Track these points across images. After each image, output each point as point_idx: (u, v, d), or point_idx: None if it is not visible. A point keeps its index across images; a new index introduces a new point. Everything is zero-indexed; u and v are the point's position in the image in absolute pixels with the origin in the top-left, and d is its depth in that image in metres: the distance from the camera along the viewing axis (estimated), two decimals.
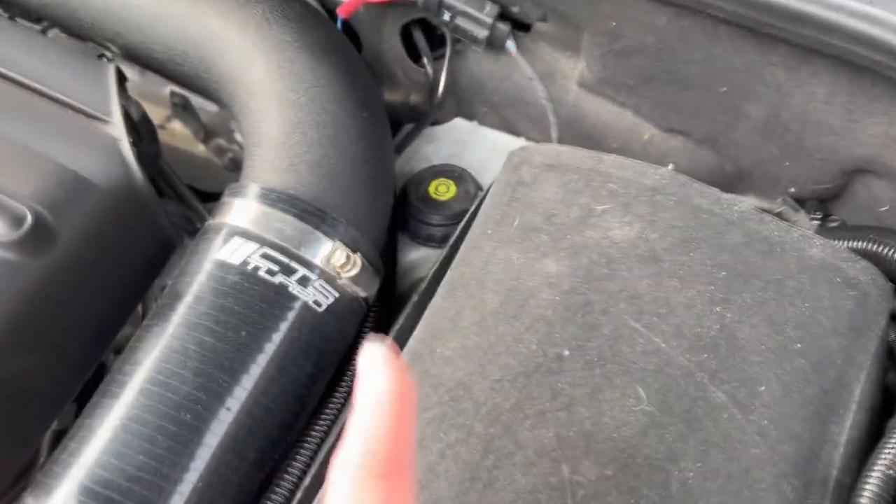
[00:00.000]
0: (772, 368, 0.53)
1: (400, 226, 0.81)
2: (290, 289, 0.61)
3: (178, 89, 0.96)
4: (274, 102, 0.69)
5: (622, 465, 0.50)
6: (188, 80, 0.78)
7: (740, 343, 0.54)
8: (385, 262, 0.75)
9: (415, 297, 0.65)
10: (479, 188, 0.81)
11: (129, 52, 0.81)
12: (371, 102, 0.72)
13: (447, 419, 0.52)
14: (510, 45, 0.84)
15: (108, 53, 0.84)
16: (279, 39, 0.71)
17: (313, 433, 0.63)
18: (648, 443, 0.50)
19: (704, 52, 0.73)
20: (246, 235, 0.62)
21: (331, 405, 0.65)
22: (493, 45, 0.84)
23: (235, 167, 0.99)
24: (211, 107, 1.02)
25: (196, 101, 1.02)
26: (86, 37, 0.85)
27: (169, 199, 0.82)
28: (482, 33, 0.82)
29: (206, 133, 1.02)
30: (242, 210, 0.64)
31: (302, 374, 0.62)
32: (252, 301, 0.60)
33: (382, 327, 0.72)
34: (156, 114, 1.05)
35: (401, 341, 0.61)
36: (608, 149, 0.88)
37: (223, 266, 0.62)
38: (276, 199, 0.64)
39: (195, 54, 0.75)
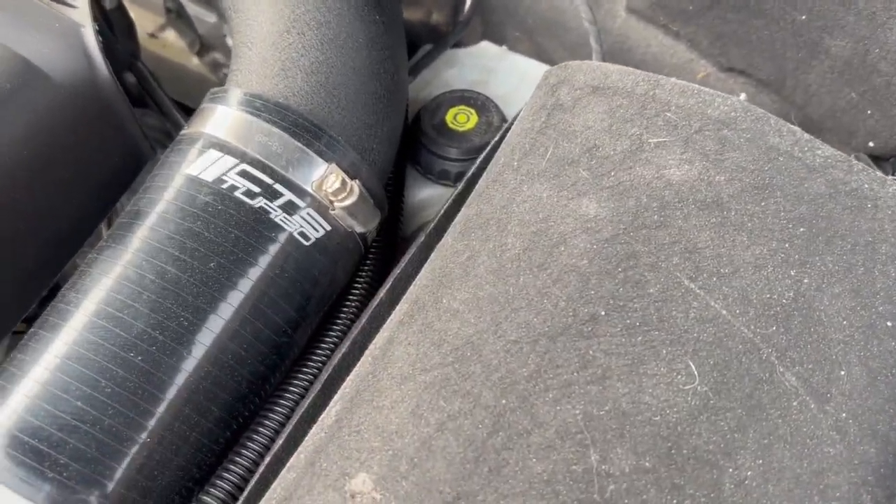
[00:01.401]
0: (855, 350, 0.43)
1: (410, 158, 0.70)
2: (273, 215, 0.51)
3: None
4: None
5: (664, 455, 0.40)
6: None
7: (818, 316, 0.43)
8: (390, 199, 0.64)
9: (421, 238, 0.55)
10: (504, 120, 0.70)
11: None
12: (386, 4, 0.61)
13: (450, 384, 0.42)
14: None
15: None
16: None
17: (291, 389, 0.54)
18: (698, 431, 0.40)
19: None
20: (223, 148, 0.52)
21: (314, 357, 0.55)
22: None
23: None
24: (208, 17, 0.91)
25: (192, 9, 0.91)
26: None
27: (148, 110, 0.71)
28: None
29: (202, 45, 0.92)
30: (222, 118, 0.54)
31: (282, 318, 0.52)
32: (226, 227, 0.50)
33: (383, 273, 0.62)
34: (148, 21, 0.94)
35: (401, 289, 0.51)
36: None
37: (194, 182, 0.51)
38: (262, 107, 0.53)
39: None
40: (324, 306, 0.56)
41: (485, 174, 0.53)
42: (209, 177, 0.51)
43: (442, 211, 0.56)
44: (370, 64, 0.57)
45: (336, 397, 0.46)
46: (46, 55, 0.53)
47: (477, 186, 0.52)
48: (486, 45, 0.81)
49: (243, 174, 0.51)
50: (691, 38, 0.73)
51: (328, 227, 0.53)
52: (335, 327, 0.57)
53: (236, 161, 0.52)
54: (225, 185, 0.51)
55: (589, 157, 0.49)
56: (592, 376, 0.42)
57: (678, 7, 0.70)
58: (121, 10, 0.64)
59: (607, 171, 0.48)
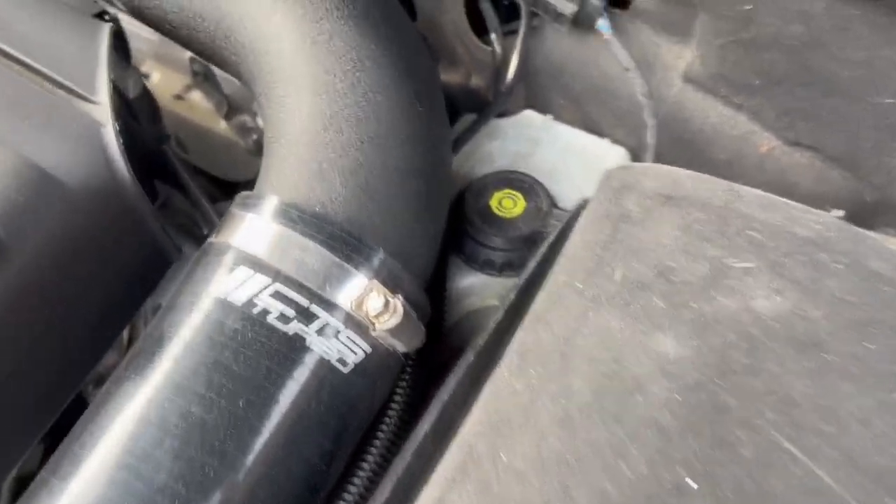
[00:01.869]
0: None
1: (452, 244, 0.65)
2: (308, 341, 0.46)
3: None
4: (304, 87, 0.53)
5: None
6: (204, 49, 0.62)
7: None
8: (430, 287, 0.59)
9: (469, 356, 0.50)
10: (553, 204, 0.65)
11: (134, 9, 0.66)
12: (428, 93, 0.56)
13: None
14: (603, 24, 0.67)
15: (111, 10, 0.69)
16: (316, 4, 0.55)
17: None
18: None
19: (868, 52, 0.55)
20: (255, 265, 0.47)
21: (350, 487, 0.50)
22: (581, 22, 0.67)
23: (260, 150, 0.84)
24: (236, 79, 0.87)
25: (220, 70, 0.87)
26: None
27: (174, 194, 0.67)
28: (569, 7, 0.65)
29: (230, 108, 0.87)
30: (254, 230, 0.49)
31: (317, 453, 0.47)
32: (257, 357, 0.45)
33: (421, 375, 0.57)
34: (174, 81, 0.90)
35: (448, 420, 0.46)
36: (714, 160, 0.71)
37: (222, 306, 0.47)
38: (298, 218, 0.48)
39: (212, 17, 0.59)
40: (361, 431, 0.51)
41: (543, 290, 0.47)
42: (239, 299, 0.46)
43: (492, 326, 0.51)
44: (413, 161, 0.53)
45: None
46: (63, 161, 0.49)
47: (535, 307, 0.47)
48: (530, 114, 0.76)
49: (276, 296, 0.46)
50: (755, 111, 0.67)
51: (368, 350, 0.48)
52: (373, 451, 0.51)
53: (269, 280, 0.47)
54: (256, 310, 0.46)
55: (664, 281, 0.44)
56: None
57: (742, 80, 0.65)
58: (145, 96, 0.59)
59: (686, 300, 0.43)
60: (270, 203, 0.49)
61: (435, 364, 0.64)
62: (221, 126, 0.86)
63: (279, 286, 0.47)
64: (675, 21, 0.66)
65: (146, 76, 0.89)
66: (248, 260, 0.48)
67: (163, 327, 0.48)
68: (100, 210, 0.50)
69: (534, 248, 0.63)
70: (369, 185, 0.50)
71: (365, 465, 0.50)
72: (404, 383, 0.55)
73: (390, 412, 0.53)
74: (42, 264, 0.48)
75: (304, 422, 0.46)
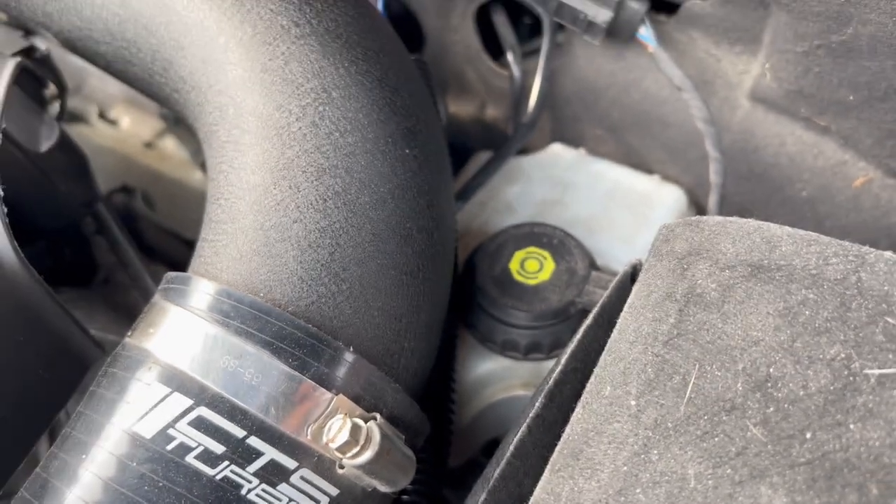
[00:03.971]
0: None
1: (464, 319, 0.51)
2: (245, 489, 0.32)
3: None
4: (250, 129, 0.40)
5: None
6: (143, 85, 0.50)
7: None
8: (436, 373, 0.45)
9: (482, 496, 0.35)
10: (592, 265, 0.50)
11: (66, 41, 0.54)
12: (421, 130, 0.42)
13: None
14: (646, 34, 0.53)
15: (41, 44, 0.57)
16: (269, 22, 0.42)
17: None
18: None
19: None
20: (172, 380, 0.34)
21: None
22: (619, 33, 0.54)
23: None
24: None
25: None
26: (16, 17, 0.58)
27: (115, 266, 0.54)
28: (603, 15, 0.52)
29: None
30: (174, 328, 0.35)
31: None
32: None
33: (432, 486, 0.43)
34: (145, 127, 0.78)
35: None
36: (794, 198, 0.56)
37: (127, 441, 0.33)
38: (233, 310, 0.35)
39: (147, 46, 0.47)
40: None
41: (581, 408, 0.33)
42: (149, 430, 0.33)
43: (510, 450, 0.36)
44: (398, 223, 0.39)
45: None
46: None
47: (570, 435, 0.32)
48: (558, 150, 0.62)
49: (199, 424, 0.33)
50: (847, 134, 0.52)
51: (334, 492, 0.34)
52: None
53: (190, 402, 0.33)
54: (171, 445, 0.33)
55: (762, 399, 0.29)
56: None
57: (830, 97, 0.50)
58: (64, 148, 0.47)
59: (798, 428, 0.28)
60: (198, 290, 0.36)
61: (444, 473, 0.50)
62: (196, 177, 0.74)
63: (203, 411, 0.33)
64: (739, 25, 0.51)
65: (114, 123, 0.78)
66: (165, 373, 0.34)
67: (49, 471, 0.34)
68: None
69: (568, 323, 0.49)
70: (335, 260, 0.37)
71: None
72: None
73: None
74: None
75: None
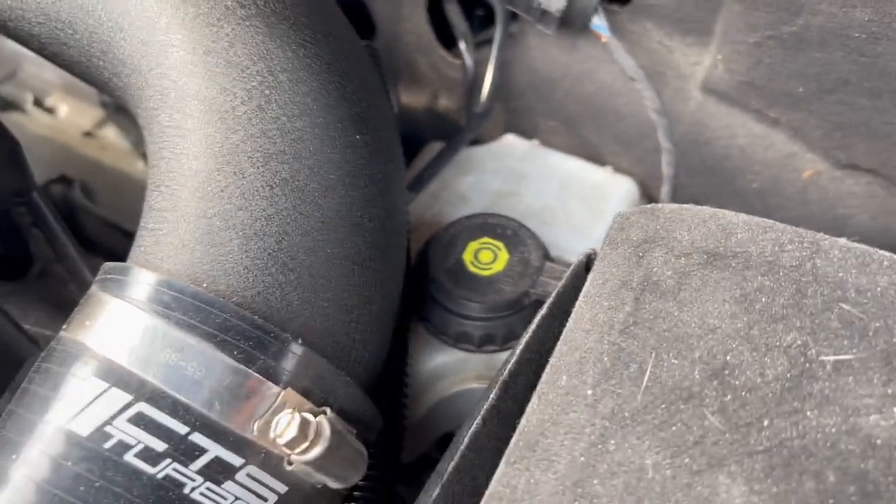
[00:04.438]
0: None
1: (416, 311, 0.50)
2: (188, 488, 0.31)
3: None
4: (193, 113, 0.38)
5: None
6: (80, 69, 0.47)
7: None
8: (390, 367, 0.44)
9: (435, 491, 0.34)
10: (546, 255, 0.50)
11: None
12: (371, 115, 0.41)
13: None
14: (599, 23, 0.52)
15: None
16: (214, 3, 0.40)
17: None
18: None
19: None
20: (110, 374, 0.32)
21: None
22: (572, 22, 0.53)
23: None
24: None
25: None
26: None
27: (52, 259, 0.52)
28: (556, 3, 0.51)
29: None
30: (111, 320, 0.34)
31: None
32: None
33: (380, 483, 0.42)
34: (85, 117, 0.75)
35: None
36: (743, 190, 0.57)
37: (61, 439, 0.31)
38: (174, 301, 0.33)
39: (83, 27, 0.44)
40: None
41: (536, 398, 0.32)
42: (85, 428, 0.31)
43: (464, 443, 0.35)
44: (348, 211, 0.38)
45: None
46: None
47: (525, 426, 0.31)
48: (511, 140, 0.62)
49: (139, 421, 0.31)
50: (797, 126, 0.53)
51: (283, 490, 0.33)
52: None
53: (129, 398, 0.31)
54: (110, 443, 0.31)
55: (719, 387, 0.29)
56: None
57: (781, 88, 0.50)
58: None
59: (756, 416, 0.28)
60: (137, 280, 0.34)
61: (396, 469, 0.49)
62: (139, 168, 0.71)
63: (143, 406, 0.31)
64: (691, 16, 0.51)
65: (52, 111, 0.75)
66: (102, 368, 0.32)
67: None
68: None
69: (522, 315, 0.48)
70: (282, 249, 0.35)
71: None
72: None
73: None
74: None
75: None
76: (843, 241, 0.31)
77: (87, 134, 0.74)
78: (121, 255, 0.64)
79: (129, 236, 0.68)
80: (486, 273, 0.49)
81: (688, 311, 0.31)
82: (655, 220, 0.34)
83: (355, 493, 0.40)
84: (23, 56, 0.78)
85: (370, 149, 0.40)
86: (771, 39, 0.47)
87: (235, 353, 0.32)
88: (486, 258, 0.49)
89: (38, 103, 0.76)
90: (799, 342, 0.29)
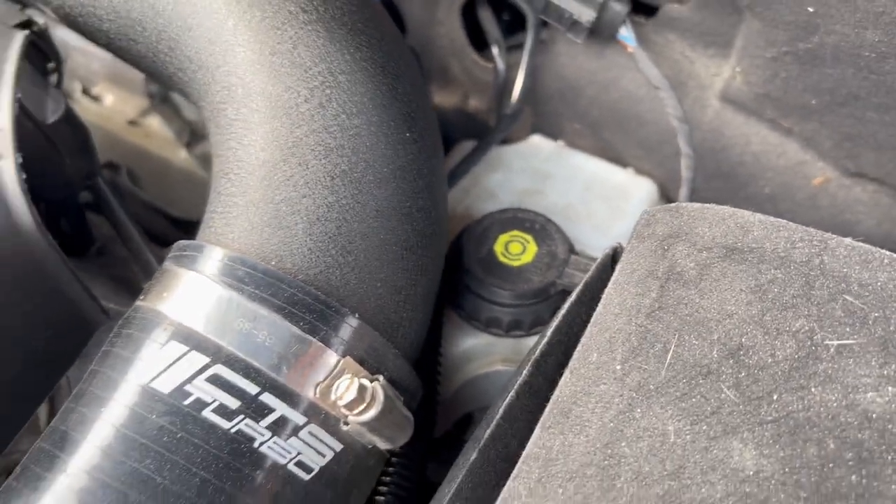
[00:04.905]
0: None
1: (449, 299, 0.54)
2: (257, 442, 0.35)
3: None
4: (260, 108, 0.42)
5: None
6: (146, 64, 0.51)
7: None
8: (425, 349, 0.48)
9: (472, 455, 0.38)
10: (571, 249, 0.54)
11: (66, 17, 0.55)
12: (419, 115, 0.45)
13: None
14: (626, 34, 0.56)
15: (39, 20, 0.58)
16: (277, 7, 0.44)
17: None
18: None
19: None
20: (189, 339, 0.36)
21: None
22: (601, 32, 0.57)
23: None
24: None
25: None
26: None
27: (115, 239, 0.56)
28: (587, 14, 0.55)
29: (192, 135, 0.77)
30: (189, 292, 0.38)
31: None
32: (188, 466, 0.34)
33: (413, 458, 0.46)
34: (130, 105, 0.79)
35: None
36: (756, 195, 0.60)
37: (145, 395, 0.35)
38: (247, 276, 0.37)
39: (153, 25, 0.48)
40: None
41: (569, 373, 0.36)
42: (166, 386, 0.35)
43: (499, 413, 0.39)
44: (399, 202, 0.41)
45: None
46: None
47: (558, 396, 0.35)
48: (538, 141, 0.65)
49: (216, 381, 0.35)
50: (809, 137, 0.56)
51: (338, 448, 0.37)
52: None
53: (206, 360, 0.35)
54: (189, 400, 0.35)
55: (735, 365, 0.32)
56: None
57: (795, 101, 0.54)
58: (69, 121, 0.48)
59: (766, 391, 0.31)
60: (211, 257, 0.38)
61: (430, 441, 0.53)
62: (181, 156, 0.75)
63: (220, 369, 0.35)
64: (713, 30, 0.55)
65: (98, 99, 0.79)
66: (180, 333, 0.36)
67: (68, 423, 0.36)
68: None
69: (548, 303, 0.52)
70: (342, 234, 0.39)
71: None
72: (390, 476, 0.43)
73: None
74: None
75: None
76: (848, 240, 0.35)
77: (132, 122, 0.78)
78: (163, 237, 0.68)
79: (170, 221, 0.72)
80: (515, 263, 0.52)
81: (708, 298, 0.34)
82: (679, 217, 0.38)
83: (393, 460, 0.44)
84: (71, 47, 0.82)
85: (418, 145, 0.44)
86: (787, 55, 0.51)
87: (301, 324, 0.36)
88: (515, 250, 0.53)
89: (86, 92, 0.79)
90: (806, 328, 0.33)
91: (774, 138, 0.58)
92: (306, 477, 0.36)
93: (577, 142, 0.65)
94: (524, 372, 0.40)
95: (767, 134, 0.58)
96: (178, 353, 0.36)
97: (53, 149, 0.47)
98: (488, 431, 0.39)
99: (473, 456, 0.38)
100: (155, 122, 0.78)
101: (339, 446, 0.37)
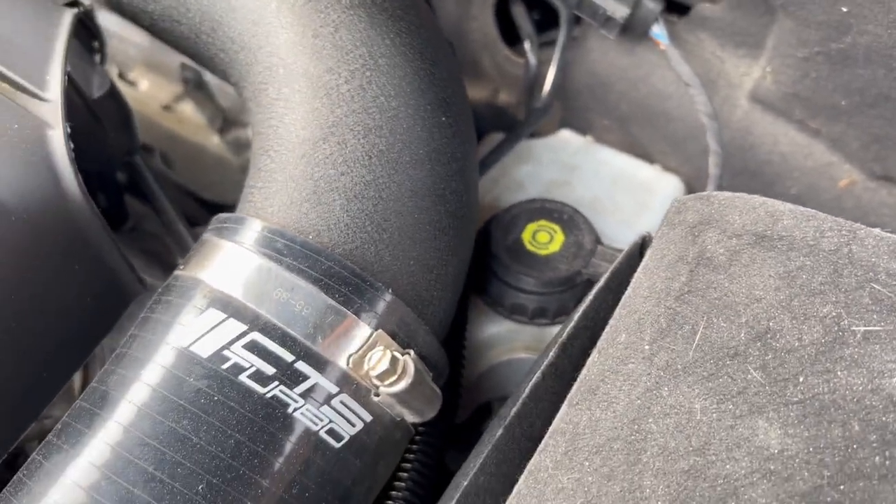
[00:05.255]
0: None
1: (475, 285, 0.55)
2: (291, 408, 0.36)
3: (190, 61, 0.72)
4: (301, 88, 0.43)
5: None
6: (188, 45, 0.53)
7: None
8: (451, 333, 0.49)
9: (497, 431, 0.39)
10: (598, 240, 0.54)
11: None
12: (454, 101, 0.46)
13: None
14: (658, 31, 0.57)
15: (85, 1, 0.59)
16: None
17: None
18: None
19: None
20: (228, 307, 0.37)
21: None
22: (632, 30, 0.58)
23: None
24: (233, 89, 0.78)
25: (215, 79, 0.78)
26: None
27: (148, 215, 0.57)
28: (620, 11, 0.56)
29: (225, 121, 0.78)
30: (229, 262, 0.39)
31: None
32: (223, 427, 0.35)
33: (435, 439, 0.47)
34: (164, 90, 0.81)
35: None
36: (782, 195, 0.61)
37: (184, 359, 0.36)
38: (286, 248, 0.38)
39: (196, 6, 0.50)
40: None
41: (597, 352, 0.37)
42: (205, 350, 0.36)
43: (525, 392, 0.40)
44: (433, 183, 0.42)
45: None
46: None
47: (586, 374, 0.36)
48: (566, 135, 0.66)
49: (253, 347, 0.36)
50: (836, 138, 0.57)
51: (368, 419, 0.38)
52: None
53: (244, 328, 0.36)
54: (226, 365, 0.36)
55: (762, 348, 0.33)
56: None
57: (824, 101, 0.54)
58: (113, 97, 0.50)
59: (793, 373, 0.32)
60: (252, 229, 0.39)
61: (452, 426, 0.54)
62: (214, 141, 0.76)
63: (257, 336, 0.36)
64: (744, 30, 0.56)
65: (133, 84, 0.80)
66: (219, 300, 0.37)
67: (108, 383, 0.37)
68: (39, 229, 0.40)
69: (573, 292, 0.52)
70: (378, 211, 0.40)
71: None
72: (413, 454, 0.44)
73: (396, 492, 0.42)
74: None
75: None
76: (877, 230, 0.35)
77: (166, 108, 0.79)
78: (194, 221, 0.69)
79: (202, 204, 0.73)
80: (542, 252, 0.53)
81: (737, 283, 0.35)
82: (710, 205, 0.39)
83: (416, 438, 0.45)
84: (108, 32, 0.84)
85: (453, 130, 0.45)
86: (819, 55, 0.52)
87: (336, 295, 0.37)
88: (542, 239, 0.54)
89: (122, 76, 0.81)
90: (833, 314, 0.33)
91: (802, 139, 0.59)
92: (336, 445, 0.37)
93: (605, 137, 0.66)
94: (550, 353, 0.41)
95: (795, 135, 0.59)
96: (217, 319, 0.37)
97: (98, 123, 0.48)
98: (514, 410, 0.39)
99: (499, 432, 0.39)
100: (188, 108, 0.79)
101: (368, 417, 0.38)
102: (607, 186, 0.61)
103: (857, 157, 0.57)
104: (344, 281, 0.38)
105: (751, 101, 0.59)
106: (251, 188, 0.43)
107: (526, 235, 0.54)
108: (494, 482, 0.38)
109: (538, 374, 0.40)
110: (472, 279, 0.55)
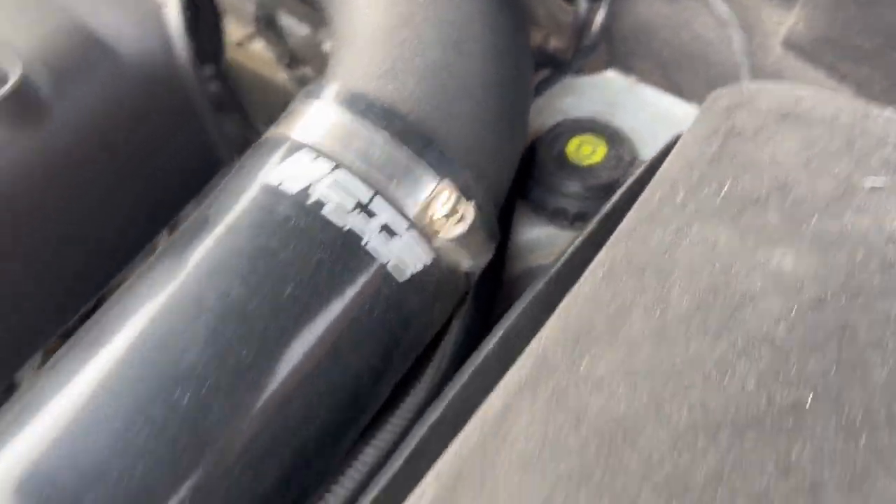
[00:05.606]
0: None
1: (519, 190, 0.60)
2: (364, 241, 0.41)
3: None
4: None
5: None
6: None
7: None
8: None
9: (538, 285, 0.44)
10: (637, 158, 0.59)
11: None
12: (513, 7, 0.51)
13: (593, 479, 0.31)
14: None
15: None
16: None
17: (368, 454, 0.43)
18: None
19: None
20: (315, 152, 0.43)
21: (398, 417, 0.44)
22: None
23: None
24: (301, 28, 0.84)
25: (285, 19, 0.84)
26: None
27: (228, 116, 0.63)
28: None
29: (292, 59, 0.84)
30: (316, 116, 0.44)
31: (363, 365, 0.42)
32: (307, 247, 0.40)
33: (485, 319, 0.52)
34: (236, 29, 0.87)
35: (515, 345, 0.40)
36: None
37: (274, 193, 0.42)
38: (367, 107, 0.44)
39: None
40: (413, 354, 0.45)
41: (632, 211, 0.42)
42: (293, 188, 0.42)
43: (567, 254, 0.45)
44: (494, 73, 0.48)
45: (430, 476, 0.35)
46: (119, 30, 0.45)
47: (622, 226, 0.41)
48: (611, 76, 0.71)
49: (335, 186, 0.42)
50: (862, 82, 0.61)
51: (429, 261, 0.43)
52: (425, 380, 0.46)
53: (329, 168, 0.42)
54: (311, 200, 0.41)
55: (781, 196, 0.38)
56: (797, 487, 0.30)
57: (850, 43, 0.59)
58: (212, 1, 0.56)
59: (807, 215, 0.37)
60: (335, 89, 0.45)
61: (493, 318, 0.59)
62: (281, 77, 0.83)
63: (340, 175, 0.42)
64: None
65: None
66: (306, 147, 0.43)
67: (207, 212, 0.43)
68: (154, 90, 0.46)
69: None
70: (446, 90, 0.46)
71: (416, 394, 0.45)
72: (466, 318, 0.49)
73: (449, 342, 0.47)
74: (83, 133, 0.44)
75: (352, 329, 0.41)
76: (889, 110, 0.40)
77: (239, 44, 0.86)
78: None
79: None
80: (585, 163, 0.58)
81: (762, 149, 0.40)
82: (741, 93, 0.44)
83: (465, 305, 0.50)
84: None
85: (513, 28, 0.50)
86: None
87: (411, 147, 0.43)
88: (586, 151, 0.59)
89: None
90: (845, 172, 0.38)
91: (831, 84, 0.63)
92: (400, 279, 0.42)
93: (647, 79, 0.71)
94: (592, 223, 0.46)
95: (824, 79, 0.63)
96: (305, 161, 0.42)
97: (193, 16, 0.54)
98: (555, 269, 0.45)
99: (540, 286, 0.44)
100: (259, 46, 0.85)
101: (430, 258, 0.43)
102: (648, 122, 0.66)
103: (880, 100, 0.62)
104: (417, 139, 0.43)
105: (784, 47, 0.64)
106: (333, 65, 0.48)
107: (571, 148, 0.59)
108: (538, 326, 0.43)
109: (579, 240, 0.46)
110: (519, 185, 0.60)
